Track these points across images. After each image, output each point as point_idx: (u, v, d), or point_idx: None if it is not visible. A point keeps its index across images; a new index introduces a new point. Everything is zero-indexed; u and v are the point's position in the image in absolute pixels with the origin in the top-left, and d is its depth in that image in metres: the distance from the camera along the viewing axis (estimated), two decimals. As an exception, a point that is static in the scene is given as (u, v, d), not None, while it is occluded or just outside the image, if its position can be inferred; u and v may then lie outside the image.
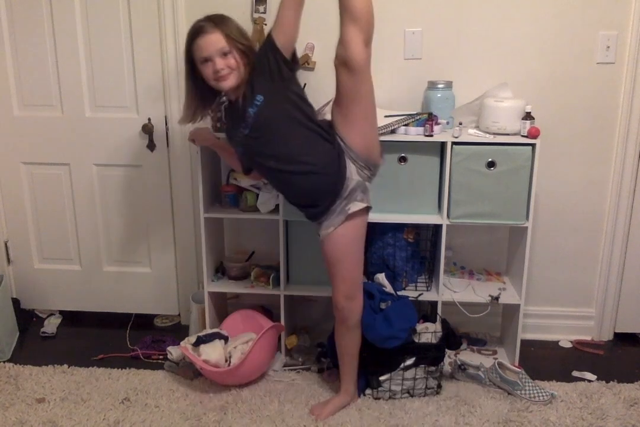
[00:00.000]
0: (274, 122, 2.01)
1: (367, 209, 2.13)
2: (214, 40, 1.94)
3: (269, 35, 1.96)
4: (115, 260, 2.99)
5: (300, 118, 2.02)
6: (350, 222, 2.08)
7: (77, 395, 2.39)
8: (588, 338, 2.85)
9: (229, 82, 1.97)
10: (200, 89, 2.06)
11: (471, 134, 2.41)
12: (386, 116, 2.43)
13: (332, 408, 2.27)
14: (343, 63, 1.93)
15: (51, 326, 2.95)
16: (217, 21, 1.98)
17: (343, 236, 2.09)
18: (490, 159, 2.34)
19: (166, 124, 2.77)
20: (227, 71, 1.95)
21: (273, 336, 2.51)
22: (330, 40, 2.61)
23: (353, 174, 2.07)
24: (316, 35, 2.58)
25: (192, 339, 2.46)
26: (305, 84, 2.56)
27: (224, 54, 1.94)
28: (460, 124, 2.43)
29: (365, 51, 1.91)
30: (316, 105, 2.55)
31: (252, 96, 1.98)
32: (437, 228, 2.54)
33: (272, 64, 1.94)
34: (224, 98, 2.17)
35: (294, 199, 2.19)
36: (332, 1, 2.59)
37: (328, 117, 2.56)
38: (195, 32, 1.97)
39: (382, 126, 2.34)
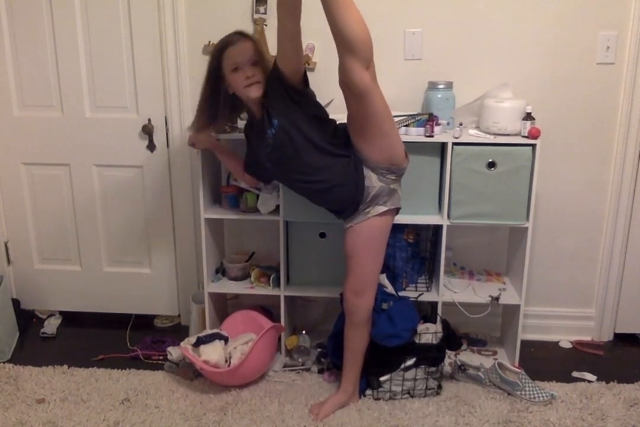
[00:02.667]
0: (290, 144, 2.06)
1: (392, 211, 2.15)
2: (247, 49, 2.03)
3: (275, 63, 2.02)
4: (115, 260, 2.99)
5: (316, 140, 2.07)
6: (370, 221, 2.12)
7: (77, 395, 2.39)
8: (588, 339, 2.85)
9: (257, 89, 2.04)
10: (221, 102, 2.13)
11: (472, 134, 2.41)
12: (386, 117, 2.44)
13: (330, 407, 2.27)
14: (347, 88, 1.94)
15: (51, 326, 2.95)
16: (247, 35, 2.10)
17: (361, 232, 2.14)
18: (490, 160, 2.34)
19: (166, 125, 2.77)
20: (256, 79, 2.03)
21: (273, 337, 2.51)
22: (331, 41, 2.61)
23: (374, 181, 2.09)
24: (316, 35, 2.56)
25: (192, 339, 2.45)
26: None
27: (254, 64, 2.03)
28: (461, 124, 2.43)
29: (367, 74, 1.89)
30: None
31: (269, 119, 2.06)
32: (437, 228, 2.54)
33: (281, 90, 2.01)
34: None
35: (321, 205, 2.26)
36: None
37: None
38: (227, 43, 2.06)
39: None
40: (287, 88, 2.00)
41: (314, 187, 2.15)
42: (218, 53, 2.06)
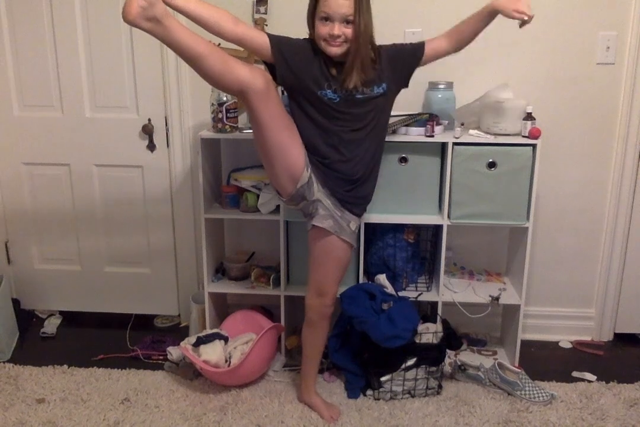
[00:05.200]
0: (369, 114, 2.01)
1: (320, 230, 2.11)
2: (345, 4, 1.86)
3: (423, 42, 2.03)
4: (115, 260, 2.99)
5: (382, 125, 2.09)
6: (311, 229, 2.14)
7: (77, 395, 2.39)
8: (588, 339, 2.85)
9: (338, 49, 1.92)
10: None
11: (472, 134, 2.41)
12: (387, 116, 2.44)
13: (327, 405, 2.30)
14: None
15: (51, 326, 2.95)
16: None
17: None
18: (491, 160, 2.34)
19: (166, 125, 2.77)
20: (342, 39, 1.90)
21: (273, 337, 2.51)
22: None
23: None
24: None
25: (192, 339, 2.45)
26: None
27: (347, 22, 1.88)
28: (462, 124, 2.43)
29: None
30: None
31: (378, 81, 1.98)
32: (437, 228, 2.54)
33: (405, 67, 2.03)
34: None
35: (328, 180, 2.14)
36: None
37: None
38: None
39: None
40: (411, 69, 2.04)
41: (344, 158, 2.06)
42: None
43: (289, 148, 1.99)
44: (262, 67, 2.07)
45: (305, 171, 2.02)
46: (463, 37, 2.05)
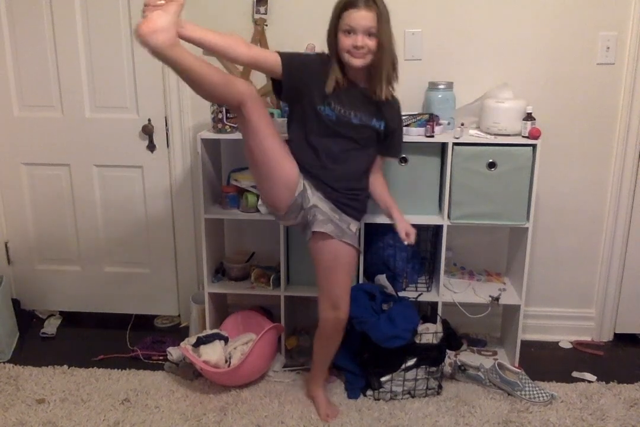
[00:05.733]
0: (361, 140, 2.10)
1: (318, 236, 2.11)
2: (367, 17, 1.93)
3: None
4: (115, 260, 2.99)
5: (367, 163, 2.19)
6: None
7: (77, 396, 2.39)
8: (588, 339, 2.85)
9: (362, 61, 1.98)
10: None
11: (472, 134, 2.41)
12: (387, 117, 2.44)
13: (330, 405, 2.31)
14: None
15: (51, 326, 2.95)
16: (377, 2, 1.96)
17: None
18: (491, 160, 2.34)
19: (166, 125, 2.77)
20: (365, 51, 1.96)
21: (273, 337, 2.51)
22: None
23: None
24: (316, 36, 2.56)
25: (192, 339, 2.45)
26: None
27: (369, 34, 1.95)
28: (462, 124, 2.43)
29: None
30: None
31: (380, 116, 2.10)
32: (437, 229, 2.54)
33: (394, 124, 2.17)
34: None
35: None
36: (331, 1, 2.59)
37: None
38: (353, 4, 1.94)
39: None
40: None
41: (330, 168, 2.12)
42: (339, 10, 1.97)
43: (285, 155, 2.04)
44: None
45: (300, 178, 2.07)
46: (372, 183, 2.25)
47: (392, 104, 2.14)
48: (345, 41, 1.96)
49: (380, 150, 2.21)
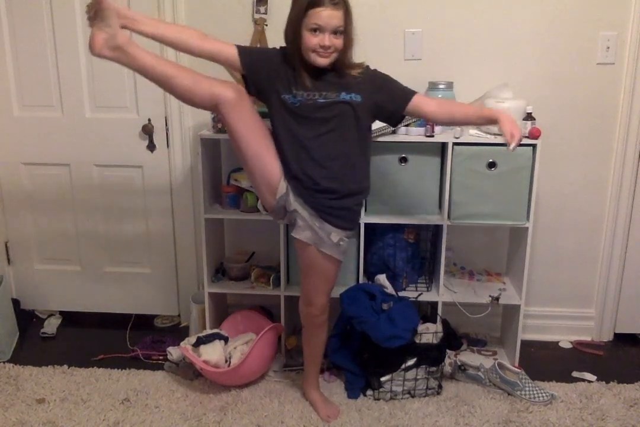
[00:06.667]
0: (333, 119, 1.97)
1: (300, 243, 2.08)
2: (336, 16, 1.86)
3: (414, 92, 2.05)
4: (115, 260, 2.99)
5: (353, 138, 2.01)
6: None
7: (77, 395, 2.39)
8: (588, 339, 2.85)
9: (327, 60, 1.91)
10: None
11: (472, 134, 2.41)
12: (387, 117, 2.44)
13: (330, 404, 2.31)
14: None
15: (51, 326, 2.95)
16: (344, 1, 1.89)
17: None
18: (491, 160, 2.34)
19: (166, 125, 2.77)
20: (332, 50, 1.90)
21: (273, 337, 2.51)
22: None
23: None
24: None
25: (192, 339, 2.46)
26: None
27: (335, 33, 1.88)
28: (462, 124, 2.43)
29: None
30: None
31: (349, 89, 1.95)
32: (437, 228, 2.54)
33: (390, 101, 2.02)
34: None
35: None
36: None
37: None
38: (316, 3, 1.85)
39: (383, 126, 2.34)
40: (397, 111, 2.05)
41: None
42: (305, 6, 1.85)
43: (265, 157, 1.99)
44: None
45: (282, 181, 2.01)
46: (450, 119, 2.07)
47: (368, 76, 2.00)
48: (312, 40, 1.87)
49: (399, 99, 2.03)
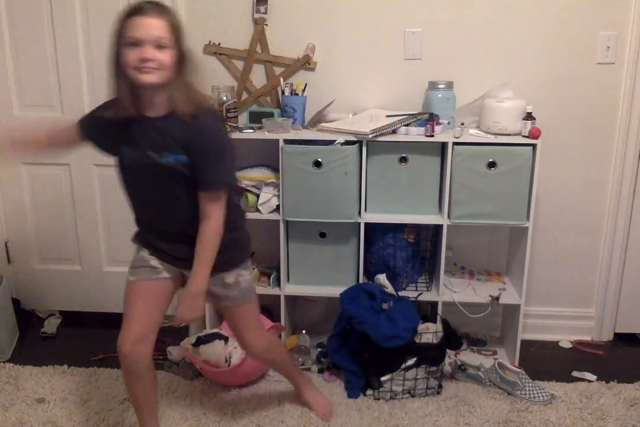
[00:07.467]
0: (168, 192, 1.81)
1: None
2: (156, 26, 1.61)
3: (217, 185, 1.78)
4: (115, 260, 2.98)
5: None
6: None
7: (77, 395, 2.39)
8: (588, 338, 2.85)
9: (152, 77, 1.62)
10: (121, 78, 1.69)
11: (472, 134, 2.41)
12: (387, 116, 2.44)
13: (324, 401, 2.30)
14: None
15: (51, 326, 2.95)
16: (167, 10, 1.66)
17: None
18: (491, 159, 2.34)
19: (166, 124, 2.76)
20: (155, 65, 1.62)
21: (273, 336, 2.51)
22: (331, 41, 2.62)
23: None
24: (316, 35, 2.58)
25: (192, 339, 2.46)
26: (306, 84, 2.57)
27: (159, 47, 1.62)
28: (462, 124, 2.43)
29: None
30: (317, 106, 2.57)
31: (173, 147, 1.71)
32: (437, 228, 2.54)
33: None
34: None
35: None
36: (331, 1, 2.60)
37: (330, 117, 2.57)
38: (136, 10, 1.62)
39: (383, 126, 2.34)
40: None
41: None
42: (121, 20, 1.63)
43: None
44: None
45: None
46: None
47: (194, 125, 1.68)
48: (131, 55, 1.60)
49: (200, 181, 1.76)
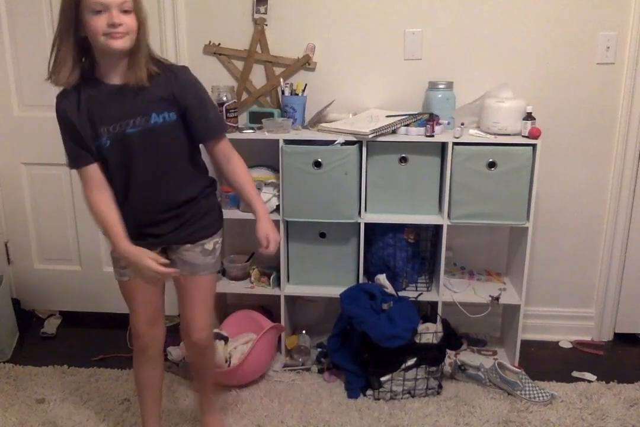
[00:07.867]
0: (162, 150, 1.75)
1: None
2: None
3: (220, 131, 1.83)
4: (115, 260, 2.98)
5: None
6: None
7: (77, 396, 2.39)
8: (588, 338, 2.85)
9: (123, 42, 1.61)
10: (75, 50, 1.66)
11: (472, 134, 2.41)
12: (387, 116, 2.44)
13: None
14: None
15: (51, 326, 2.95)
16: None
17: None
18: (491, 160, 2.34)
19: (166, 124, 2.76)
20: (124, 30, 1.60)
21: (273, 337, 2.51)
22: (331, 41, 2.62)
23: None
24: (316, 35, 2.58)
25: (193, 339, 2.45)
26: (306, 84, 2.57)
27: (125, 11, 1.60)
28: (462, 124, 2.43)
29: None
30: (317, 106, 2.57)
31: (157, 107, 1.70)
32: (437, 228, 2.54)
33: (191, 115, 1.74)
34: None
35: None
36: (331, 1, 2.60)
37: (330, 117, 2.57)
38: None
39: (383, 126, 2.34)
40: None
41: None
42: None
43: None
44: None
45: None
46: (231, 180, 1.85)
47: (176, 79, 1.71)
48: (98, 22, 1.58)
49: (199, 137, 1.79)
